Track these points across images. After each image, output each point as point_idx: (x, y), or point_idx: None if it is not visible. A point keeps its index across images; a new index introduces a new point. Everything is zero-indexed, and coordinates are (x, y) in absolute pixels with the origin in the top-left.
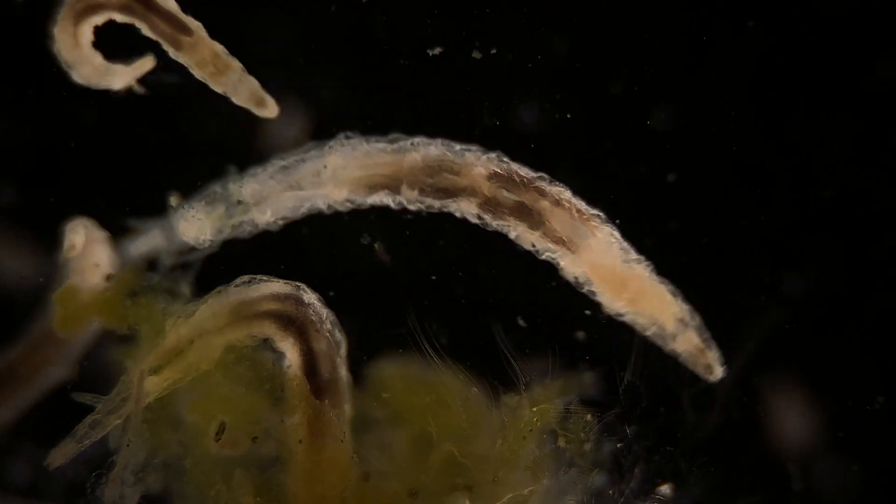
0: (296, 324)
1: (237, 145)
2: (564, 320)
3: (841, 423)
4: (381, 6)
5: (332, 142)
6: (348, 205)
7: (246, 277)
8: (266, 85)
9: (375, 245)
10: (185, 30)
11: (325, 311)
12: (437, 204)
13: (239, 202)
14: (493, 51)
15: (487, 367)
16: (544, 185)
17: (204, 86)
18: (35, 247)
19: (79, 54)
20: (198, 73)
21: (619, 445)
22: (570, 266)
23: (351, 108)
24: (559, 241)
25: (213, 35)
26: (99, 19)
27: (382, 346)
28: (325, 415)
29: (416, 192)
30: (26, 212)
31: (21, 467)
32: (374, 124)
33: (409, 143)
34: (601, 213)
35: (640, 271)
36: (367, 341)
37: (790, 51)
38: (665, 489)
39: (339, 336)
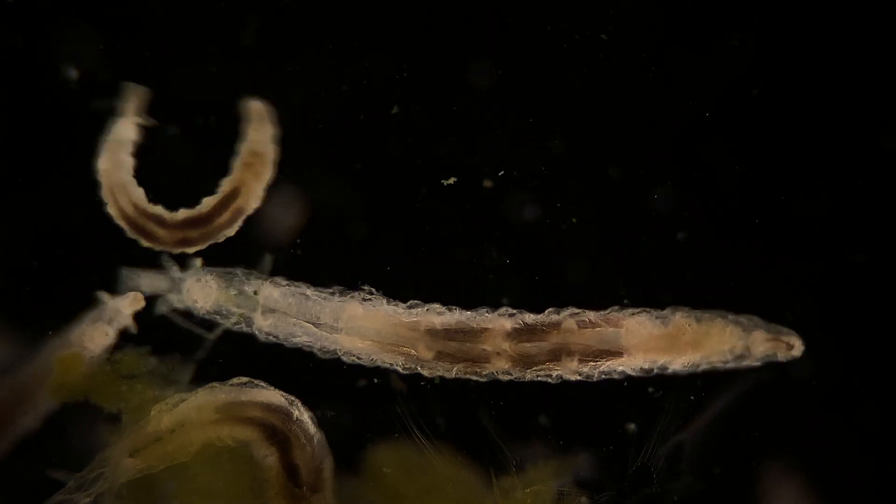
0: (279, 437)
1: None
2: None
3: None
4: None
5: (355, 293)
6: (355, 360)
7: (244, 379)
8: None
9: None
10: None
11: (314, 430)
12: (463, 370)
13: (253, 296)
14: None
15: (483, 451)
16: (557, 317)
17: None
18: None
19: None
20: None
21: None
22: (629, 365)
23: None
24: (602, 355)
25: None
26: None
27: (376, 431)
28: (305, 501)
29: (433, 355)
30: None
31: None
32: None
33: (425, 308)
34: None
35: (681, 321)
36: (360, 427)
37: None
38: None
39: (325, 455)
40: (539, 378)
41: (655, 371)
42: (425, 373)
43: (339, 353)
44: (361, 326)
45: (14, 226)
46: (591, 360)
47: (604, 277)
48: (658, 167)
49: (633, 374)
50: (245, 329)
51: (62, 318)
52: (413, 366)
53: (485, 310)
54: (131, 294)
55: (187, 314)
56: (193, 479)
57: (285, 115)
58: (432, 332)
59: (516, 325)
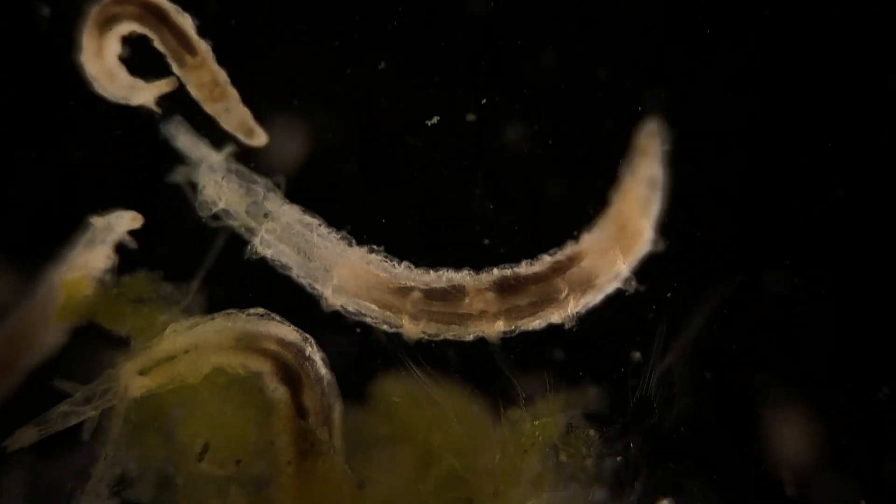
0: (291, 374)
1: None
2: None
3: (840, 433)
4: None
5: (357, 246)
6: (341, 309)
7: (261, 310)
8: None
9: None
10: (192, 50)
11: (324, 371)
12: (448, 332)
13: (265, 214)
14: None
15: (493, 383)
16: (534, 268)
17: None
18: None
19: (102, 66)
20: (194, 93)
21: (618, 460)
22: (605, 283)
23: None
24: (582, 289)
25: (224, 60)
26: (121, 30)
27: (384, 362)
28: (311, 435)
29: (420, 325)
30: None
31: (18, 476)
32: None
33: (412, 270)
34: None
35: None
36: (368, 357)
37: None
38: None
39: (335, 397)
40: (525, 328)
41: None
42: (410, 334)
43: (326, 298)
44: (352, 279)
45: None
46: (580, 296)
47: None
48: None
49: (619, 287)
50: (246, 238)
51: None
52: (397, 327)
53: (466, 270)
54: (128, 213)
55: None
56: (201, 407)
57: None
58: (418, 297)
59: (499, 281)
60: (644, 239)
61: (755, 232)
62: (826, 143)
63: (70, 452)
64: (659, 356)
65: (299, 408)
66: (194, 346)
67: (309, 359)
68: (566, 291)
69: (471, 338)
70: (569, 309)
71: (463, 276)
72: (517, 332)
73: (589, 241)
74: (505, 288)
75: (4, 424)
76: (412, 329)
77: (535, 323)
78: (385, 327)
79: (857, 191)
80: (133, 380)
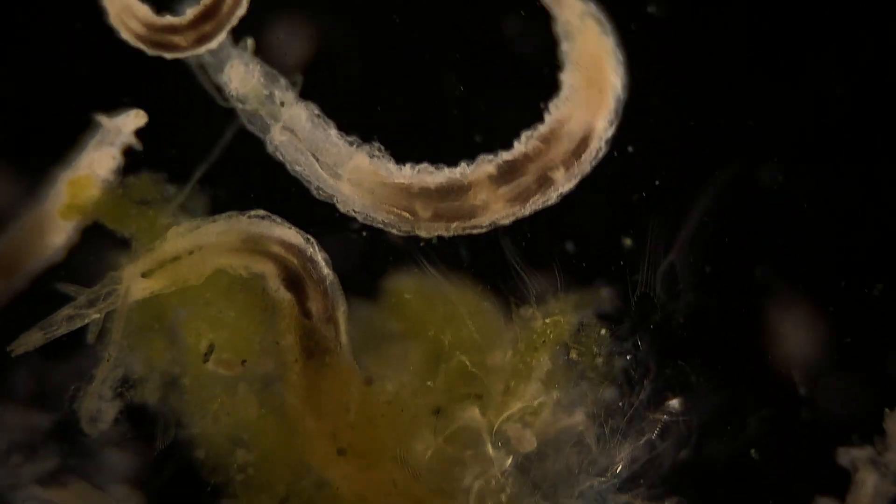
0: (294, 275)
1: None
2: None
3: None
4: None
5: (365, 145)
6: (352, 212)
7: (262, 212)
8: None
9: None
10: None
11: (327, 272)
12: (461, 228)
13: (281, 104)
14: None
15: (505, 281)
16: (524, 146)
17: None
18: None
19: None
20: None
21: (628, 358)
22: (596, 130)
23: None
24: (578, 149)
25: None
26: None
27: (396, 259)
28: (316, 333)
29: (429, 216)
30: None
31: (24, 378)
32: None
33: (416, 169)
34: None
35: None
36: (379, 255)
37: None
38: (674, 403)
39: (338, 297)
40: (537, 207)
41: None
42: (422, 234)
43: (336, 201)
44: (362, 182)
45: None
46: (574, 160)
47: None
48: None
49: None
50: (259, 132)
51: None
52: (409, 228)
53: (464, 163)
54: (132, 111)
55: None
56: (205, 308)
57: None
58: (426, 194)
59: (499, 168)
60: (612, 84)
61: (746, 125)
62: (822, 34)
63: (75, 354)
64: (654, 251)
65: (303, 308)
66: (197, 247)
67: (311, 259)
68: (561, 159)
69: (484, 229)
70: (570, 174)
71: (463, 170)
72: (529, 213)
73: (564, 105)
74: (505, 173)
75: (9, 328)
76: (423, 228)
77: (543, 200)
78: (395, 231)
79: (855, 84)
80: (135, 282)
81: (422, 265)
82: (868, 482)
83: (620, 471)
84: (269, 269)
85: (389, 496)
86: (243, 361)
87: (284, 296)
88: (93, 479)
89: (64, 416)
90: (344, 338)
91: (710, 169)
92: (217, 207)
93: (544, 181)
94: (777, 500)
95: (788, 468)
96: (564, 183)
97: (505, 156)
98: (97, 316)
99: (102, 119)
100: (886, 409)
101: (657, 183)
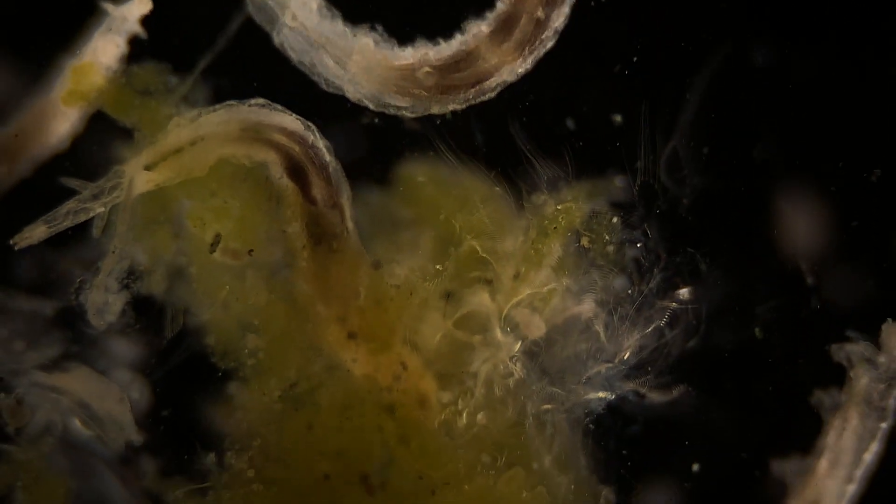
0: (296, 162)
1: None
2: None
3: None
4: None
5: (370, 31)
6: (362, 100)
7: (262, 101)
8: None
9: None
10: None
11: (329, 158)
12: (475, 95)
13: None
14: None
15: (517, 168)
16: None
17: None
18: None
19: None
20: None
21: (639, 246)
22: None
23: None
24: None
25: None
26: None
27: (408, 145)
28: (322, 219)
29: (440, 90)
30: None
31: (27, 264)
32: None
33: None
34: None
35: None
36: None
37: None
38: (683, 291)
39: (341, 183)
40: (539, 54)
41: None
42: (436, 111)
43: (346, 91)
44: (371, 65)
45: None
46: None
47: None
48: None
49: None
50: (265, 26)
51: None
52: (422, 107)
53: (458, 34)
54: None
55: None
56: (210, 199)
57: None
58: (434, 69)
59: (498, 24)
60: None
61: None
62: None
63: (79, 244)
64: (650, 136)
65: (308, 195)
66: (200, 138)
67: (313, 146)
68: None
69: (493, 93)
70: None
71: (463, 38)
72: (532, 66)
73: None
74: (504, 26)
75: (12, 219)
76: (435, 104)
77: (551, 43)
78: (408, 114)
79: None
80: (139, 175)
81: (437, 146)
82: (862, 380)
83: (628, 358)
84: (271, 158)
85: (399, 379)
86: (250, 251)
87: (288, 183)
88: (96, 365)
89: (67, 304)
90: (350, 223)
91: (703, 46)
92: (220, 99)
93: (537, 24)
94: (783, 389)
95: (795, 358)
96: (556, 19)
97: (496, 11)
98: (102, 209)
99: (108, 6)
100: (889, 320)
101: (634, 60)
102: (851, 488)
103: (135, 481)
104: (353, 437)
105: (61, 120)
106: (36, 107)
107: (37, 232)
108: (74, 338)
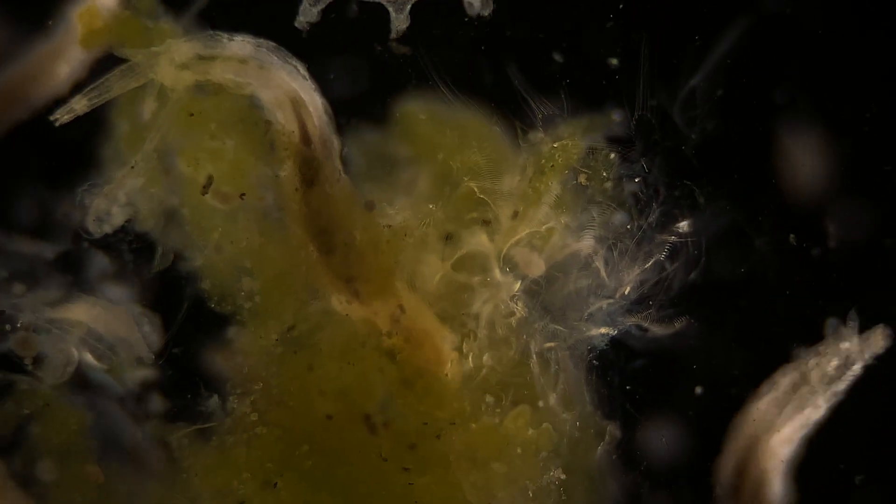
0: (293, 102)
1: None
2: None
3: (855, 161)
4: None
5: None
6: None
7: (272, 44)
8: None
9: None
10: None
11: (321, 100)
12: None
13: None
14: None
15: (512, 105)
16: None
17: None
18: None
19: None
20: None
21: (637, 181)
22: None
23: None
24: None
25: None
26: None
27: (404, 84)
28: (315, 160)
29: None
30: None
31: (28, 207)
32: None
33: None
34: None
35: None
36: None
37: None
38: (683, 224)
39: (330, 124)
40: None
41: None
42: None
43: None
44: None
45: None
46: None
47: None
48: None
49: None
50: None
51: None
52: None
53: None
54: None
55: None
56: (207, 139)
57: None
58: None
59: None
60: None
61: None
62: None
63: (79, 184)
64: (647, 69)
65: (303, 136)
66: (222, 55)
67: (305, 87)
68: None
69: None
70: None
71: None
72: None
73: None
74: None
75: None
76: None
77: None
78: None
79: None
80: (169, 70)
81: (436, 81)
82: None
83: (629, 293)
84: (266, 96)
85: (398, 322)
86: (242, 195)
87: (283, 123)
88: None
89: (68, 248)
90: (339, 163)
91: None
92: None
93: None
94: (785, 323)
95: (796, 291)
96: None
97: None
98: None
99: None
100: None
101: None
102: (786, 450)
103: (144, 421)
104: (354, 378)
105: (65, 63)
106: (39, 54)
107: (79, 105)
108: (75, 282)
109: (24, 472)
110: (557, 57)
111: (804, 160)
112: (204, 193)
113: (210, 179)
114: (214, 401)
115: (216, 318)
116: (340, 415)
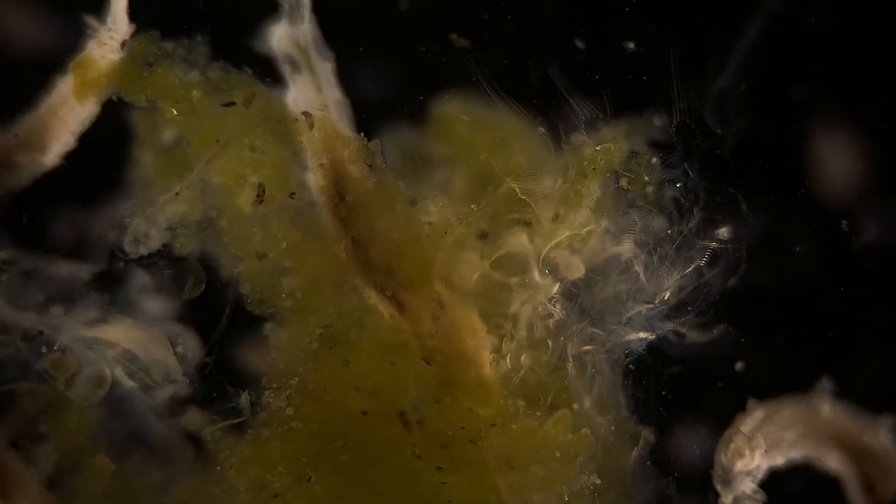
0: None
1: None
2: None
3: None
4: None
5: None
6: None
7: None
8: None
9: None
10: None
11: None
12: None
13: None
14: None
15: (555, 108)
16: None
17: None
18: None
19: None
20: None
21: (678, 186)
22: None
23: None
24: None
25: None
26: None
27: (445, 83)
28: (360, 148)
29: None
30: None
31: (62, 228)
32: None
33: None
34: None
35: None
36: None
37: None
38: (723, 231)
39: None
40: None
41: None
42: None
43: None
44: None
45: None
46: None
47: None
48: None
49: None
50: None
51: None
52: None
53: None
54: None
55: None
56: (247, 152)
57: None
58: None
59: None
60: None
61: None
62: None
63: (114, 203)
64: (683, 74)
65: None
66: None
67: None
68: None
69: None
70: None
71: None
72: None
73: None
74: None
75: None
76: None
77: None
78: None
79: None
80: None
81: (479, 81)
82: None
83: (668, 298)
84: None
85: (438, 319)
86: (292, 194)
87: (320, 116)
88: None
89: (104, 267)
90: (379, 161)
91: None
92: (220, 53)
93: None
94: (825, 329)
95: (835, 299)
96: None
97: None
98: None
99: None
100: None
101: None
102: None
103: (170, 417)
104: (389, 375)
105: (73, 111)
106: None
107: None
108: (112, 301)
109: (40, 468)
110: (579, 43)
111: (837, 161)
112: (259, 203)
113: (262, 188)
114: (245, 398)
115: (251, 315)
116: (375, 411)
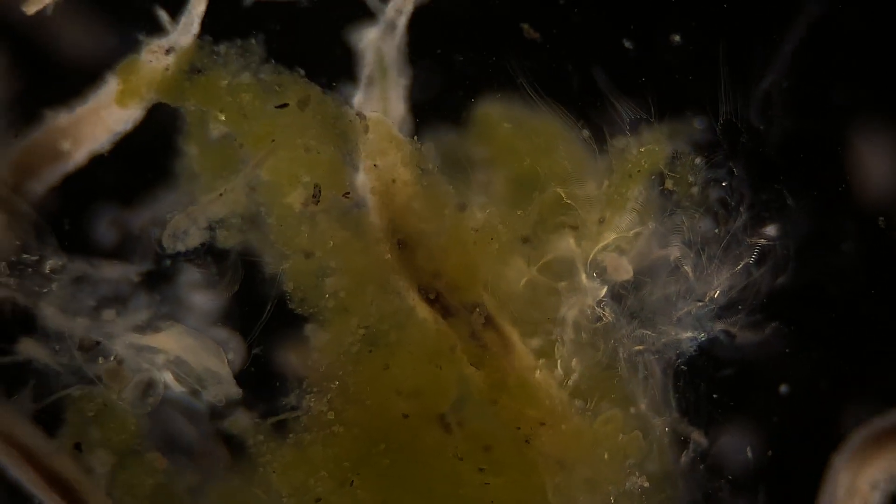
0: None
1: None
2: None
3: None
4: None
5: None
6: None
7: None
8: None
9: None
10: None
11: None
12: None
13: None
14: None
15: (599, 111)
16: None
17: None
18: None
19: None
20: None
21: (723, 185)
22: None
23: None
24: None
25: None
26: None
27: (486, 86)
28: (412, 152)
29: None
30: None
31: (106, 230)
32: None
33: None
34: None
35: None
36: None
37: None
38: (770, 229)
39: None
40: None
41: None
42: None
43: None
44: None
45: None
46: None
47: None
48: None
49: None
50: None
51: None
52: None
53: None
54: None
55: None
56: (302, 152)
57: None
58: None
59: None
60: None
61: None
62: None
63: (154, 202)
64: (727, 76)
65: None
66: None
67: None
68: None
69: None
70: None
71: None
72: None
73: None
74: None
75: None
76: None
77: None
78: None
79: None
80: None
81: (523, 85)
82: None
83: (718, 297)
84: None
85: (485, 324)
86: (346, 193)
87: (377, 115)
88: (186, 323)
89: (152, 267)
90: (431, 165)
91: None
92: (273, 54)
93: None
94: (874, 326)
95: (884, 296)
96: None
97: None
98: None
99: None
100: None
101: None
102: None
103: (208, 422)
104: (431, 377)
105: (116, 119)
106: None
107: None
108: (162, 300)
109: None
110: (627, 44)
111: (877, 160)
112: (316, 203)
113: (318, 188)
114: (290, 401)
115: (293, 316)
116: (416, 414)
